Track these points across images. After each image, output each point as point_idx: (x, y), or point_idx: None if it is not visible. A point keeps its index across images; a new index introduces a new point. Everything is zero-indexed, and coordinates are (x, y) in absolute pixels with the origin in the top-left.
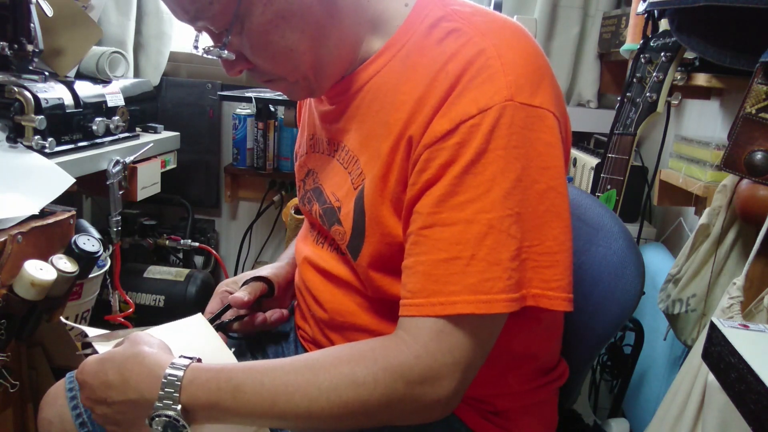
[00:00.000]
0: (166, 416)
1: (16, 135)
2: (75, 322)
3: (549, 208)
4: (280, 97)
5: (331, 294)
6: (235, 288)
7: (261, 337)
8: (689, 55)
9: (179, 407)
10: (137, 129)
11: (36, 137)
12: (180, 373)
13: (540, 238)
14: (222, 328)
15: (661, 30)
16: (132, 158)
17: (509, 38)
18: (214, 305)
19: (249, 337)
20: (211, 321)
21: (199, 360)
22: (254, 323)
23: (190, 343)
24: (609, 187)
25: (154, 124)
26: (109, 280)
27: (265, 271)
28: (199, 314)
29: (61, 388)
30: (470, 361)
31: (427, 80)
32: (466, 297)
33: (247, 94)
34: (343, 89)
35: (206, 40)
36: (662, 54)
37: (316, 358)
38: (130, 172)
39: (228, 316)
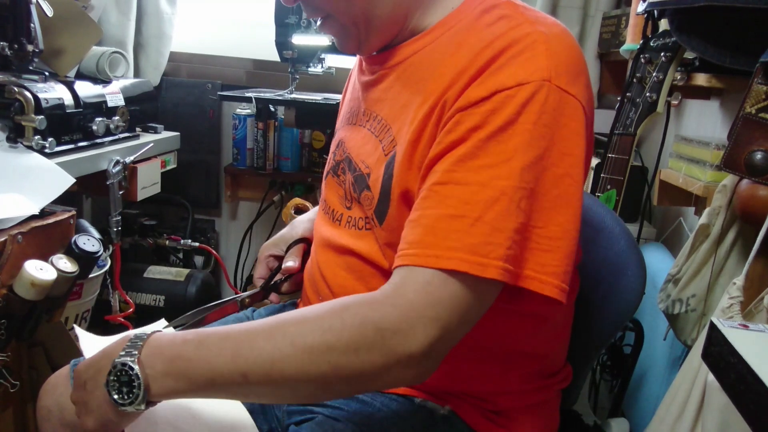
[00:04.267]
0: (122, 365)
1: (16, 135)
2: (75, 322)
3: (561, 194)
4: (279, 97)
5: (343, 278)
6: (278, 252)
7: None
8: (689, 55)
9: (137, 356)
10: (137, 129)
11: (36, 137)
12: (147, 331)
13: (545, 221)
14: (275, 289)
15: (660, 30)
16: (132, 158)
17: (558, 33)
18: (261, 271)
19: (297, 294)
20: (264, 286)
21: None
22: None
23: None
24: (609, 187)
25: (154, 124)
26: (109, 280)
27: (301, 228)
28: (162, 320)
29: (62, 376)
30: (452, 320)
31: (471, 55)
32: (463, 255)
33: (247, 94)
34: (386, 59)
35: None
36: (662, 54)
37: (287, 313)
38: (130, 172)
39: (276, 278)
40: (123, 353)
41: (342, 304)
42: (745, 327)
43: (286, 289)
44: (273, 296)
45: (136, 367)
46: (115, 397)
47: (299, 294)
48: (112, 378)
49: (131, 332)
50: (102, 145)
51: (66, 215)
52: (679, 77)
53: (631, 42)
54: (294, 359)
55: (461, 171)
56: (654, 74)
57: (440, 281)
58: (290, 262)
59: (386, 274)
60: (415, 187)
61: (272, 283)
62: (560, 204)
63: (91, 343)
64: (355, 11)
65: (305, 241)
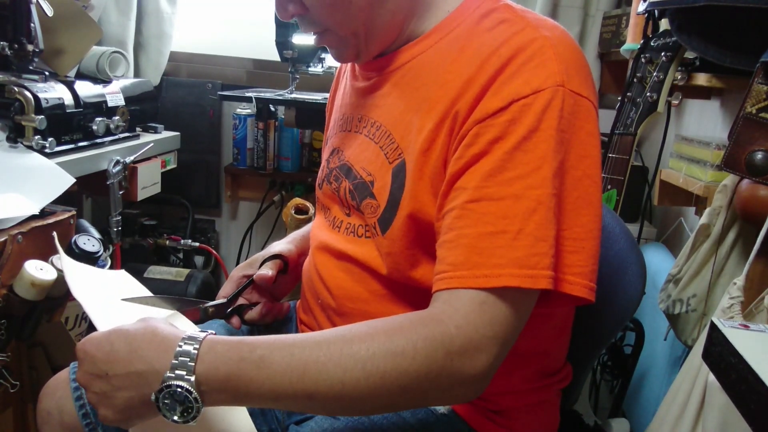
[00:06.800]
0: (178, 387)
1: (16, 135)
2: (75, 322)
3: (582, 195)
4: (280, 97)
5: (342, 280)
6: (252, 272)
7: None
8: (689, 54)
9: (193, 378)
10: (137, 129)
11: (36, 137)
12: (197, 343)
13: (569, 223)
14: (239, 313)
15: (661, 30)
16: (132, 158)
17: (560, 35)
18: (228, 290)
19: (260, 324)
20: (226, 305)
21: (214, 334)
22: (272, 311)
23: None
24: (609, 187)
25: (154, 124)
26: None
27: (277, 248)
28: (123, 270)
29: (62, 379)
30: (508, 336)
31: (477, 62)
32: (511, 270)
33: (247, 94)
34: (382, 65)
35: None
36: (662, 54)
37: (349, 329)
38: (130, 172)
39: (240, 302)
40: (173, 375)
41: (410, 324)
42: (746, 327)
43: (250, 318)
44: (235, 320)
45: (194, 391)
46: (175, 418)
47: (262, 324)
48: (163, 396)
49: (165, 331)
50: (102, 145)
51: (66, 215)
52: (679, 77)
53: (631, 42)
54: (365, 383)
55: (492, 186)
56: (654, 74)
57: (493, 300)
58: (264, 271)
59: (384, 278)
60: (425, 197)
61: (238, 305)
62: (581, 205)
63: (76, 273)
64: (355, 23)
65: (281, 258)
